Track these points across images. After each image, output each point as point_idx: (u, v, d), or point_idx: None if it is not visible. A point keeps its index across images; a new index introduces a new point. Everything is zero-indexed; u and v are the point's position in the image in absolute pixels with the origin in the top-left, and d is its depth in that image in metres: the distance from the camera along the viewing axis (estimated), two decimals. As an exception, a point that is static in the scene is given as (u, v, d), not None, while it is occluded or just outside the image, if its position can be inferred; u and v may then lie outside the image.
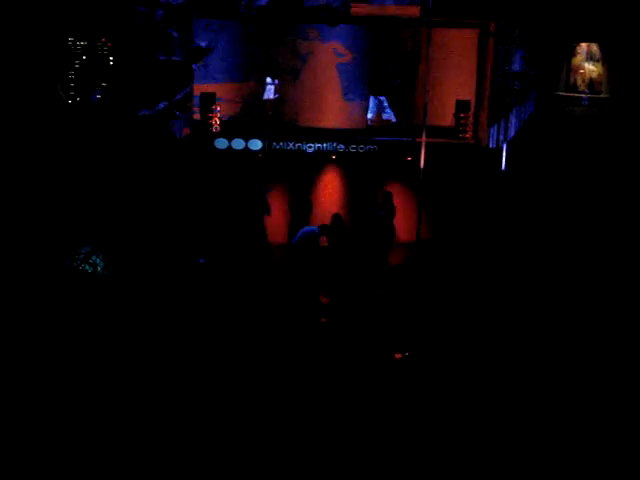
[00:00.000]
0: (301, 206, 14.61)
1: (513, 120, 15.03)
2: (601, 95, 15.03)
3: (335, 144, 15.11)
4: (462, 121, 15.50)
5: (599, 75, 15.06)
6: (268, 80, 15.85)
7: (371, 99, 15.94)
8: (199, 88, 15.55)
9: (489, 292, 12.20)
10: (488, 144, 15.45)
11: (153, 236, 13.57)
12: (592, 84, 15.11)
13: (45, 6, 14.03)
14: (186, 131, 15.27)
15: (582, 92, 15.08)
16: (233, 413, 8.30)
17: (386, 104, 15.86)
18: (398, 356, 10.12)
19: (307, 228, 13.40)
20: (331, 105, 16.05)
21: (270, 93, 15.81)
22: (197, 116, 15.40)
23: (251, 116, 15.94)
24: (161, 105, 14.87)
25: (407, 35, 15.89)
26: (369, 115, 15.99)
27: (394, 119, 15.97)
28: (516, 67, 15.10)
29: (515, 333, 10.58)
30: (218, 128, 15.28)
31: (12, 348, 9.37)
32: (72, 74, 15.21)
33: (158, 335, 10.18)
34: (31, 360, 9.14)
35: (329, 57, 16.06)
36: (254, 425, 8.07)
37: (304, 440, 7.83)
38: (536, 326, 10.75)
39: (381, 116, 15.90)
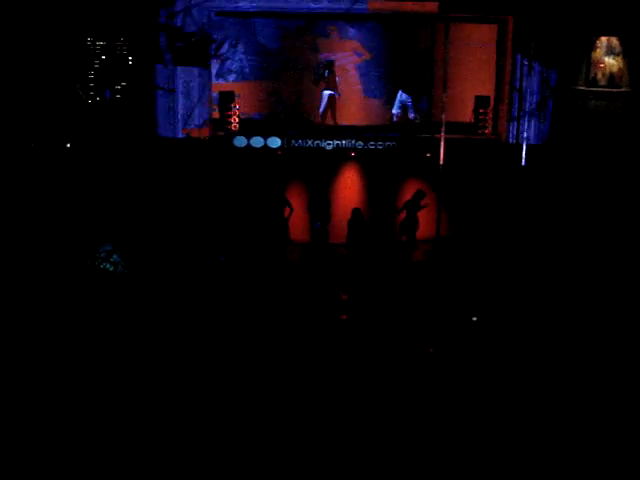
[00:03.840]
0: (320, 203, 14.58)
1: (533, 115, 14.92)
2: (622, 89, 14.89)
3: (354, 141, 15.07)
4: (481, 117, 15.44)
5: (619, 69, 14.91)
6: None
7: (398, 94, 15.79)
8: (218, 86, 15.60)
9: (510, 288, 12.15)
10: (508, 139, 15.35)
11: (173, 234, 13.63)
12: (612, 78, 14.97)
13: (64, 6, 14.12)
14: (205, 131, 15.28)
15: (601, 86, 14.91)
16: (252, 407, 8.36)
17: (410, 103, 15.69)
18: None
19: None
20: (350, 102, 16.02)
21: (324, 98, 15.65)
22: (216, 115, 15.43)
23: (270, 114, 15.98)
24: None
25: (425, 31, 15.84)
26: (394, 110, 15.84)
27: (418, 118, 15.83)
28: (536, 62, 14.98)
29: (535, 329, 10.53)
30: (237, 126, 15.32)
31: (35, 344, 9.47)
32: (91, 74, 15.30)
33: (178, 331, 10.24)
34: (53, 355, 9.24)
35: (348, 54, 16.05)
36: (274, 418, 8.12)
37: (323, 434, 7.87)
38: (556, 322, 10.69)
39: (406, 115, 15.79)
